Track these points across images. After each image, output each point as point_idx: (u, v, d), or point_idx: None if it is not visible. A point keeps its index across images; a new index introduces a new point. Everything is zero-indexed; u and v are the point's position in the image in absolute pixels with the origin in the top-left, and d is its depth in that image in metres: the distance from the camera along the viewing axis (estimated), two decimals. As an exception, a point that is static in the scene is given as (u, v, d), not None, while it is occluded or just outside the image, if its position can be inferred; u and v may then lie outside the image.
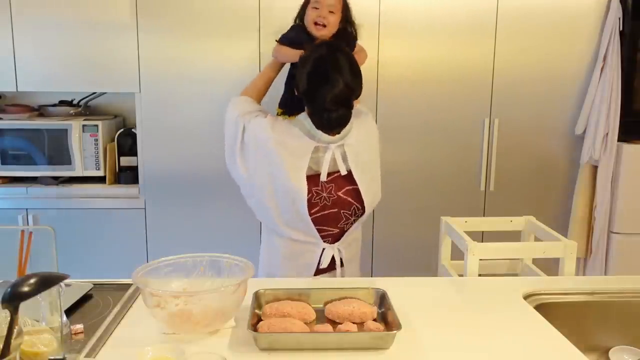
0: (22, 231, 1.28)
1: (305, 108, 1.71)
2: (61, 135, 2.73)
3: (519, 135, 2.79)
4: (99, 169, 2.77)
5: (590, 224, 2.87)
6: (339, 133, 1.70)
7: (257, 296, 1.36)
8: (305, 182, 1.68)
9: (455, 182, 2.80)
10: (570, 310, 1.53)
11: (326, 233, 1.75)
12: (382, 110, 2.71)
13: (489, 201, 2.83)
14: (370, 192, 1.77)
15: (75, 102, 3.00)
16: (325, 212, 1.71)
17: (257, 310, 1.33)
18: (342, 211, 1.73)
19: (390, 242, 2.83)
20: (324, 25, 1.80)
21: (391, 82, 2.69)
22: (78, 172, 2.77)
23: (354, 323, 1.29)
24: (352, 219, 1.76)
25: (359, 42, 1.97)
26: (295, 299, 1.37)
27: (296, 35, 1.85)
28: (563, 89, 2.77)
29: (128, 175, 2.81)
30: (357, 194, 1.74)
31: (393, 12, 2.64)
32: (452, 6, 2.66)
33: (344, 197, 1.72)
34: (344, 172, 1.71)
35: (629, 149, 2.78)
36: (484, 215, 2.81)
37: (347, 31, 1.90)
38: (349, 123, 1.71)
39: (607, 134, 2.75)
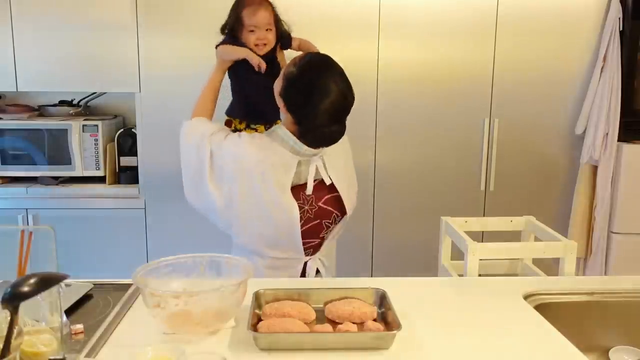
0: (22, 231, 1.28)
1: (286, 123, 1.59)
2: (61, 135, 2.73)
3: (519, 135, 2.79)
4: (99, 169, 2.77)
5: (590, 224, 2.87)
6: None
7: (257, 296, 1.36)
8: (294, 199, 1.59)
9: (455, 182, 2.80)
10: (570, 310, 1.52)
11: (308, 245, 1.68)
12: (382, 110, 2.71)
13: (489, 201, 2.83)
14: (350, 197, 1.73)
15: (75, 102, 3.00)
16: (309, 225, 1.65)
17: (257, 310, 1.33)
18: (323, 221, 1.68)
19: (390, 242, 2.83)
20: (265, 44, 1.75)
21: (391, 82, 2.69)
22: (78, 172, 2.77)
23: (354, 323, 1.29)
24: (332, 227, 1.72)
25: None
26: (295, 299, 1.37)
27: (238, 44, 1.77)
28: (563, 89, 2.77)
29: (128, 175, 2.81)
30: (336, 201, 1.68)
31: (393, 12, 2.64)
32: (452, 6, 2.66)
33: (325, 206, 1.66)
34: (328, 181, 1.65)
35: (629, 149, 2.78)
36: (484, 215, 2.81)
37: (282, 30, 1.82)
38: None
39: (607, 134, 2.75)
